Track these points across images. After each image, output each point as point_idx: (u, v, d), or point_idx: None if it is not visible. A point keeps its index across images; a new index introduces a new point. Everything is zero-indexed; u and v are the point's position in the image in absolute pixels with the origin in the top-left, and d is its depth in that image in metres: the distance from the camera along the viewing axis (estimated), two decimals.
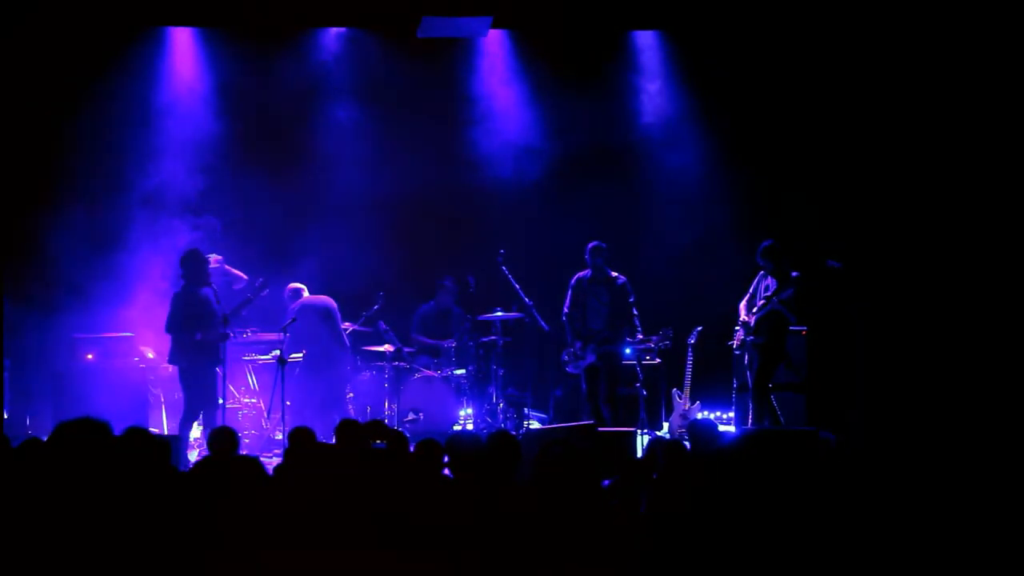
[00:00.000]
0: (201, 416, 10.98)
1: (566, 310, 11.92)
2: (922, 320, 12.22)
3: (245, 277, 12.48)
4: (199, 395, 10.90)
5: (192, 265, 10.99)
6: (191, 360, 10.88)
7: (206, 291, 11.00)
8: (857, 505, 4.57)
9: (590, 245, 11.85)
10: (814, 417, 11.74)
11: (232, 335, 11.27)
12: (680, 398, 12.20)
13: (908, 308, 12.34)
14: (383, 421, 7.68)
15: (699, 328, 12.21)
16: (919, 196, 12.65)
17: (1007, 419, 10.63)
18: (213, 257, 12.63)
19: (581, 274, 11.93)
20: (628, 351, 11.94)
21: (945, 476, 4.94)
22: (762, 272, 11.64)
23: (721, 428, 9.35)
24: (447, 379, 12.76)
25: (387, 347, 12.71)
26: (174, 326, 10.88)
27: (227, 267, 12.57)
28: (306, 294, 12.57)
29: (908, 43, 12.55)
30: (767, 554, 3.97)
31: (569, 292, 11.94)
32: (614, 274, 11.82)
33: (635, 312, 11.74)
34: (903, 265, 12.62)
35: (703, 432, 7.90)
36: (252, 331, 12.67)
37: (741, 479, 3.87)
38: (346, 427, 7.27)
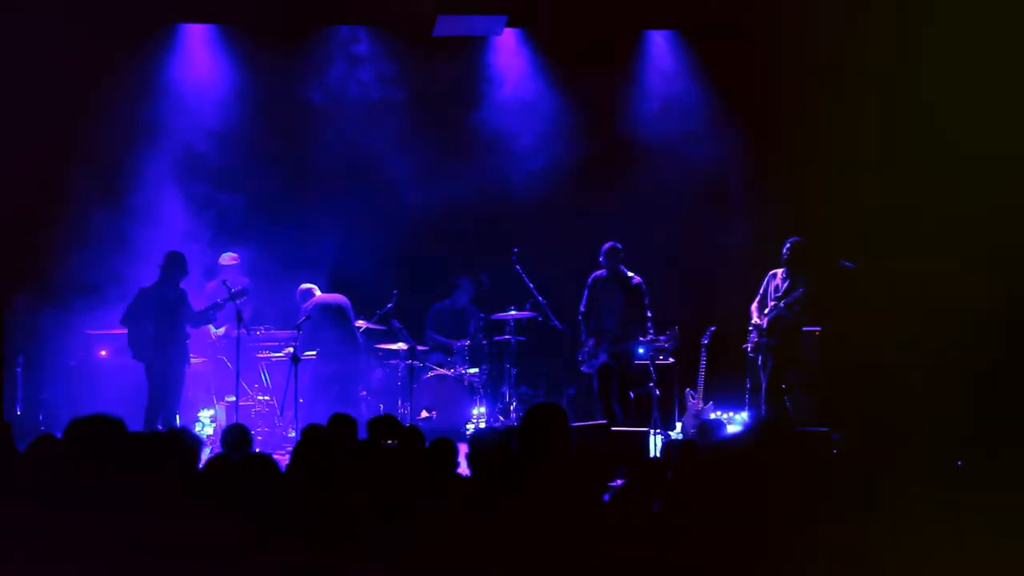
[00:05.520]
0: (160, 416, 10.99)
1: (582, 309, 11.95)
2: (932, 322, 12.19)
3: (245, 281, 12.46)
4: (160, 391, 11.02)
5: (170, 266, 11.14)
6: (154, 355, 11.01)
7: (172, 293, 11.12)
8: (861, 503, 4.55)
9: (605, 246, 11.84)
10: (826, 417, 11.71)
11: (191, 334, 11.36)
12: (693, 398, 12.18)
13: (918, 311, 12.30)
14: (394, 416, 7.65)
15: (712, 328, 12.18)
16: (933, 197, 12.60)
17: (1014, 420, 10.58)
18: (230, 256, 12.65)
19: (597, 273, 11.94)
20: (642, 351, 11.93)
21: (949, 474, 4.93)
22: (771, 273, 11.63)
23: (731, 429, 9.36)
24: (460, 378, 12.76)
25: (401, 345, 12.71)
26: (128, 318, 11.06)
27: (238, 276, 12.52)
28: (318, 293, 12.58)
29: (927, 40, 12.52)
30: (778, 554, 3.95)
31: (585, 291, 11.97)
32: (630, 274, 11.81)
33: (648, 313, 11.71)
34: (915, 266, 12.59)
35: (713, 433, 7.91)
36: (266, 328, 12.69)
37: (754, 475, 3.84)
38: (339, 420, 7.22)
